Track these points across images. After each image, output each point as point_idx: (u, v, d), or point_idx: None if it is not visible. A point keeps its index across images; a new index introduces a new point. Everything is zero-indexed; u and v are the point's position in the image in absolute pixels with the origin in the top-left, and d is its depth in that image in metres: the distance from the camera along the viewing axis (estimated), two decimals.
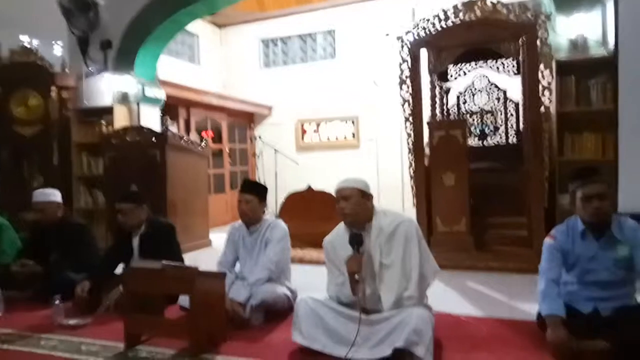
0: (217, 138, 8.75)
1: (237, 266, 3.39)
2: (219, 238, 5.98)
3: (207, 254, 5.39)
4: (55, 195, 3.82)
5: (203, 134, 8.35)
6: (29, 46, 5.72)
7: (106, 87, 5.84)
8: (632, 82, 3.36)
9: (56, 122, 5.62)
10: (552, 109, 4.28)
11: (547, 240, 2.57)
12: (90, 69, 5.83)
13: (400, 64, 4.64)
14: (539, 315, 2.49)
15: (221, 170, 8.70)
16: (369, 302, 2.41)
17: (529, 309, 2.96)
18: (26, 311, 3.36)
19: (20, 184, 5.58)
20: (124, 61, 5.86)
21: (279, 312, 3.05)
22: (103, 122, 5.69)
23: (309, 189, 5.61)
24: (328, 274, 2.63)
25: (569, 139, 4.25)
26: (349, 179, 2.56)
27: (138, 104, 5.86)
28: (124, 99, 5.81)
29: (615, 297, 2.41)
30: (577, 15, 4.27)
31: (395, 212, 2.61)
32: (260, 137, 8.31)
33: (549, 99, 4.20)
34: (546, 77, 4.19)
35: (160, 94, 6.21)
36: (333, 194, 2.60)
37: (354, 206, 2.47)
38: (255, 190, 3.28)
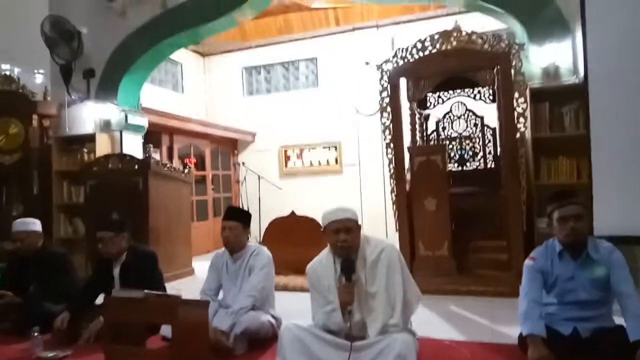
0: (201, 165, 8.75)
1: (221, 294, 3.36)
2: (201, 266, 5.92)
3: (189, 283, 5.33)
4: (36, 225, 3.77)
5: (186, 160, 8.34)
6: (10, 74, 5.71)
7: (88, 115, 5.83)
8: (603, 108, 3.48)
9: (37, 151, 5.58)
10: (528, 135, 4.41)
11: (527, 262, 2.63)
12: (72, 97, 5.83)
13: (381, 92, 4.75)
14: (521, 336, 2.52)
15: (204, 197, 8.68)
16: (355, 328, 2.42)
17: (511, 332, 2.99)
18: (3, 344, 3.26)
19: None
20: (107, 89, 5.88)
21: (263, 340, 3.02)
22: (85, 150, 5.66)
23: (292, 214, 5.62)
24: (312, 301, 2.62)
25: (544, 164, 4.37)
26: (346, 208, 2.52)
27: (121, 132, 5.86)
28: (106, 126, 5.81)
29: (594, 318, 2.47)
30: (549, 45, 4.45)
31: (377, 238, 2.63)
32: (243, 164, 8.35)
33: (524, 125, 4.33)
34: (520, 104, 4.32)
35: (143, 121, 6.22)
36: (317, 219, 2.60)
37: (355, 238, 2.48)
38: (239, 217, 3.29)
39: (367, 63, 8.50)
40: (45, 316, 3.30)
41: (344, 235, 2.45)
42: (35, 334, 3.00)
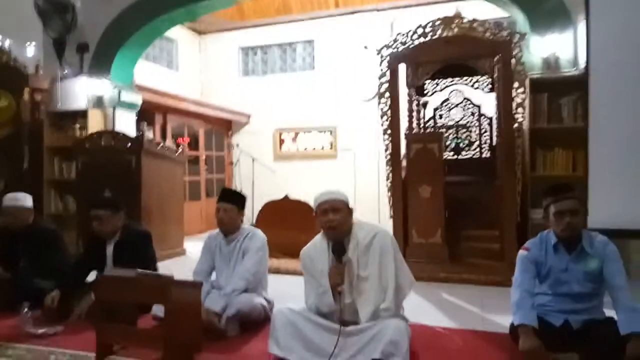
0: (194, 145, 8.67)
1: (213, 275, 3.35)
2: (193, 246, 5.92)
3: (181, 263, 5.32)
4: (26, 200, 3.71)
5: (179, 140, 8.26)
6: (1, 47, 5.58)
7: (81, 91, 5.73)
8: (602, 100, 3.47)
9: (28, 125, 5.49)
10: (525, 125, 4.40)
11: (521, 252, 2.63)
12: (65, 71, 5.71)
13: (380, 77, 4.70)
14: (512, 326, 2.53)
15: (197, 177, 8.62)
16: (347, 313, 2.43)
17: (502, 321, 3.02)
18: None
19: None
20: (101, 65, 5.78)
21: (255, 322, 3.03)
22: (77, 126, 5.57)
23: (286, 198, 5.61)
24: (305, 285, 2.63)
25: (540, 155, 4.37)
26: (335, 191, 2.55)
27: (114, 109, 5.77)
28: (99, 103, 5.72)
29: (586, 310, 2.48)
30: (551, 35, 4.42)
31: (371, 223, 2.63)
32: (238, 145, 8.29)
33: (522, 115, 4.32)
34: (520, 94, 4.30)
35: (137, 98, 6.13)
36: (310, 203, 2.60)
37: (342, 219, 2.48)
38: (234, 199, 3.26)
39: (365, 47, 8.43)
40: (35, 292, 3.28)
41: (332, 215, 2.47)
42: (25, 310, 2.97)
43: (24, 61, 5.60)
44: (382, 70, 4.68)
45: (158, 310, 2.88)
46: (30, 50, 5.74)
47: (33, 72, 5.59)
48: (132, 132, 5.77)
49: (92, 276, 3.42)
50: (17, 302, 3.07)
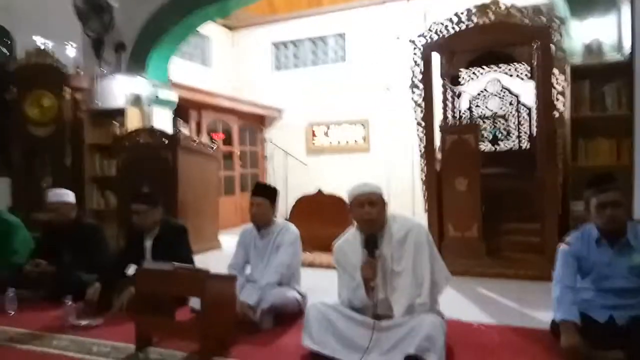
0: (228, 140, 8.78)
1: (248, 269, 3.39)
2: (228, 240, 6.00)
3: (216, 257, 5.40)
4: (70, 196, 3.85)
5: (213, 136, 8.38)
6: (44, 47, 5.78)
7: (119, 89, 5.88)
8: None
9: (69, 123, 5.67)
10: (566, 114, 4.23)
11: (562, 247, 2.55)
12: (103, 70, 5.88)
13: (412, 68, 4.61)
14: (553, 322, 2.46)
15: (231, 172, 8.73)
16: (381, 307, 2.40)
17: (542, 316, 2.93)
18: (38, 311, 3.38)
19: (32, 184, 5.64)
20: (137, 63, 5.92)
21: (288, 316, 3.04)
22: (116, 123, 5.73)
23: (319, 192, 5.61)
24: (338, 279, 2.62)
25: (582, 145, 4.20)
26: (371, 184, 2.53)
27: (150, 106, 5.90)
28: (136, 100, 5.86)
29: (631, 306, 2.38)
30: (592, 19, 4.23)
31: (405, 217, 2.60)
32: (270, 140, 8.33)
33: (562, 104, 4.16)
34: (560, 82, 4.14)
35: (172, 96, 6.25)
36: (343, 197, 2.58)
37: (378, 212, 2.46)
38: (267, 194, 3.28)
39: (397, 38, 8.31)
40: (77, 285, 3.40)
41: (368, 207, 2.44)
42: (69, 302, 3.08)
43: (64, 62, 5.79)
44: (415, 60, 4.59)
45: (195, 303, 2.93)
46: (71, 51, 5.93)
47: (73, 72, 5.76)
48: (168, 129, 5.89)
49: (131, 270, 3.51)
50: (60, 295, 3.18)
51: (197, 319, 2.86)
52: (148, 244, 3.50)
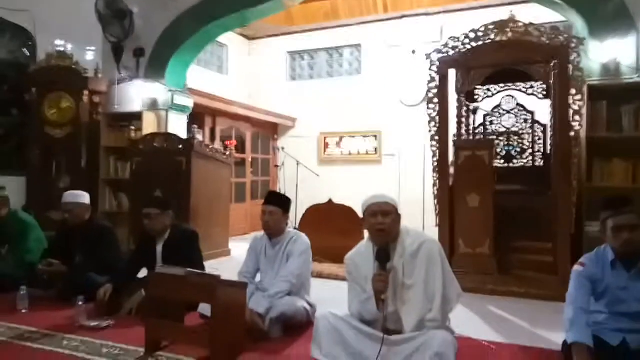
0: (241, 147, 8.83)
1: (258, 277, 3.39)
2: (237, 247, 6.02)
3: (226, 263, 5.42)
4: (85, 197, 3.89)
5: (227, 142, 8.42)
6: (64, 50, 5.88)
7: (136, 94, 5.97)
8: None
9: (86, 126, 5.76)
10: (582, 134, 4.21)
11: (577, 268, 2.51)
12: (122, 75, 5.96)
13: (429, 82, 4.62)
14: (565, 344, 2.42)
15: (243, 179, 8.77)
16: (391, 321, 2.39)
17: (553, 337, 2.90)
18: (50, 310, 3.42)
19: (48, 184, 5.72)
20: (156, 69, 5.99)
21: (297, 325, 3.04)
22: (132, 127, 5.80)
23: (330, 202, 5.61)
24: (349, 291, 2.61)
25: (598, 165, 4.18)
26: (386, 195, 2.53)
27: (167, 111, 5.97)
28: (153, 105, 5.93)
29: None
30: (611, 40, 4.24)
31: (418, 231, 2.59)
32: (283, 149, 8.36)
33: (579, 123, 4.14)
34: (577, 101, 4.12)
35: (189, 102, 6.31)
36: (354, 208, 2.58)
37: (392, 223, 2.45)
38: (280, 202, 3.29)
39: (413, 52, 8.35)
40: (89, 286, 3.43)
41: (381, 218, 2.43)
42: (80, 302, 3.11)
43: (84, 65, 5.89)
44: (431, 75, 4.61)
45: (204, 309, 2.94)
46: (90, 55, 6.04)
47: (92, 75, 5.86)
48: (183, 135, 5.95)
49: (142, 273, 3.54)
50: (72, 295, 3.22)
51: (206, 325, 2.87)
52: (159, 248, 3.52)
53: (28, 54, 6.17)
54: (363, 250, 2.59)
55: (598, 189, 4.04)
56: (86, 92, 5.75)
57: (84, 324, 3.06)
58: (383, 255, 2.40)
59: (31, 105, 5.88)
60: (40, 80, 5.85)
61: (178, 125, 6.07)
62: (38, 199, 5.69)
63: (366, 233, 2.58)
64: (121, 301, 3.33)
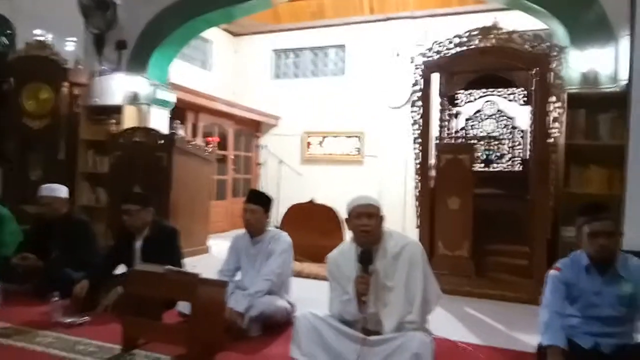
0: (223, 144, 8.76)
1: (238, 275, 3.38)
2: (216, 245, 5.98)
3: (205, 260, 5.38)
4: (62, 191, 3.82)
5: (209, 139, 8.36)
6: (43, 40, 5.75)
7: (118, 87, 5.86)
8: None
9: (65, 118, 5.63)
10: (561, 140, 4.30)
11: (552, 272, 2.56)
12: (103, 67, 5.86)
13: (412, 85, 4.66)
14: (540, 346, 2.47)
15: (224, 176, 8.71)
16: (371, 322, 2.40)
17: (528, 339, 2.95)
18: (24, 305, 3.35)
19: (23, 177, 5.59)
20: (138, 62, 5.90)
21: (277, 324, 3.04)
22: (112, 121, 5.70)
23: (311, 201, 5.62)
24: (330, 291, 2.61)
25: (575, 171, 4.26)
26: (369, 197, 2.55)
27: (148, 106, 5.89)
28: (134, 99, 5.84)
29: (617, 334, 2.40)
30: (591, 49, 4.31)
31: (401, 233, 2.61)
32: (266, 147, 8.34)
33: (557, 130, 4.22)
34: (556, 108, 4.21)
35: (171, 97, 6.24)
36: (335, 208, 2.59)
37: (376, 225, 2.47)
38: (261, 201, 3.29)
39: (397, 55, 8.40)
40: (65, 282, 3.37)
41: (366, 219, 2.45)
42: (55, 298, 3.05)
43: (64, 55, 5.76)
44: (415, 78, 4.65)
45: (183, 306, 2.92)
46: (71, 46, 5.91)
47: (72, 66, 5.73)
48: (164, 130, 5.87)
49: (120, 269, 3.49)
50: (48, 291, 3.15)
51: (185, 323, 2.84)
52: (138, 244, 3.48)
53: (7, 43, 6.02)
54: (346, 251, 2.60)
55: (575, 195, 4.12)
56: (66, 84, 5.62)
57: (59, 320, 3.01)
58: (366, 258, 2.41)
59: (9, 95, 5.73)
60: (19, 69, 5.71)
61: (160, 120, 5.99)
62: (13, 191, 5.56)
63: (349, 234, 2.59)
64: (98, 298, 3.27)
